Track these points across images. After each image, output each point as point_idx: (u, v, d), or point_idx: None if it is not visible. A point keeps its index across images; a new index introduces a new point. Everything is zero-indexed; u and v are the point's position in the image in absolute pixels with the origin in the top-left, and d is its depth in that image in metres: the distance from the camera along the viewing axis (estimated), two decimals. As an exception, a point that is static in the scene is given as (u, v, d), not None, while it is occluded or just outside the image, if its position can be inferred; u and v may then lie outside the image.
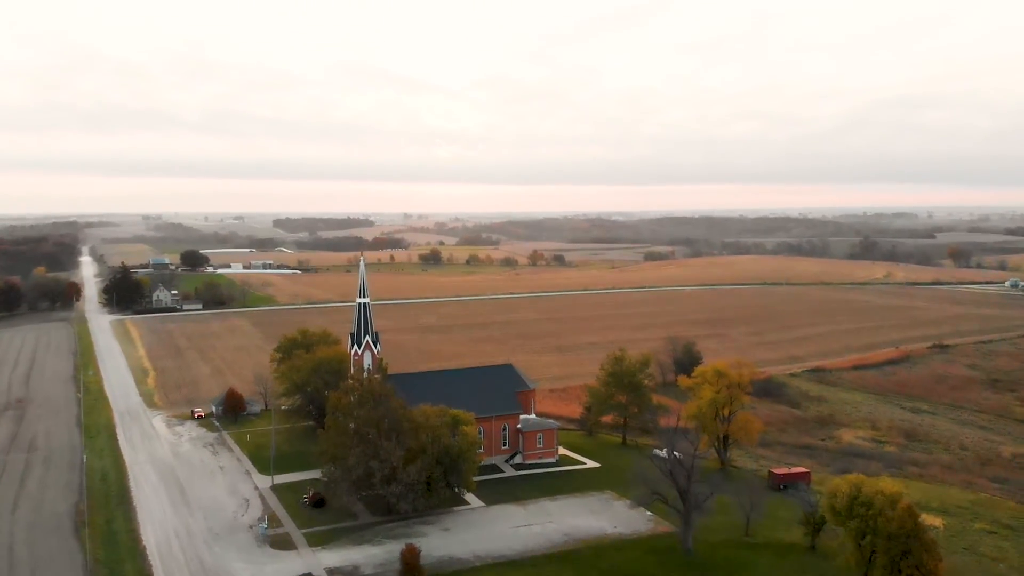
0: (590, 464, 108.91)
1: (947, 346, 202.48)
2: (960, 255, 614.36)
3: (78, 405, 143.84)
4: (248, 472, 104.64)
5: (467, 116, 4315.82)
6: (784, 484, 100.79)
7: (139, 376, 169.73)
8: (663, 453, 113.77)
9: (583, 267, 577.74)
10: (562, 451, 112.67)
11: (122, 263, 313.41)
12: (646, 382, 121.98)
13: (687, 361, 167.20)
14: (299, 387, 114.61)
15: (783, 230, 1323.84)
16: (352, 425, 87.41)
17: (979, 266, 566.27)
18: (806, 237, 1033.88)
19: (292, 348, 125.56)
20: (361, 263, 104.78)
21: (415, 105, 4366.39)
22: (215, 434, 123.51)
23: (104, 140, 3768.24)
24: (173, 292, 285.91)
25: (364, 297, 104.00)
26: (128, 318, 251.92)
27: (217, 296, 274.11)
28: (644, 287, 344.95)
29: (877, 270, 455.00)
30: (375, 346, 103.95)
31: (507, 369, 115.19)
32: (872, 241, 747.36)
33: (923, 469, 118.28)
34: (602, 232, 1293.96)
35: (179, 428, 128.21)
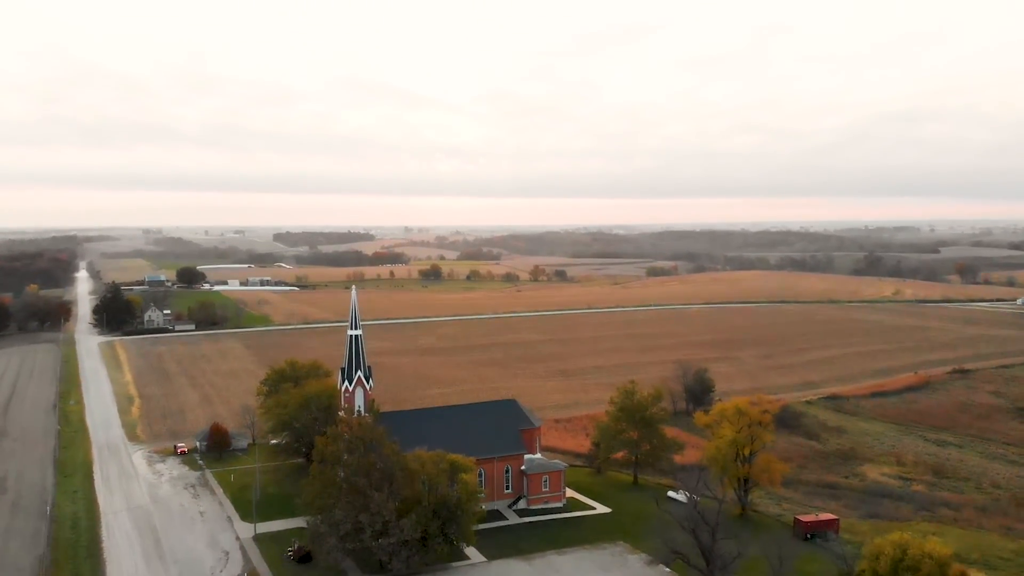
0: (600, 509, 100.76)
1: (968, 371, 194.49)
2: (967, 271, 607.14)
3: (56, 438, 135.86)
4: (230, 519, 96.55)
5: (468, 130, 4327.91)
6: (811, 533, 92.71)
7: (123, 405, 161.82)
8: (679, 496, 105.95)
9: (585, 283, 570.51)
10: (569, 493, 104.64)
11: (112, 281, 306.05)
12: (659, 416, 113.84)
13: (699, 389, 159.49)
14: (286, 424, 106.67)
15: (785, 244, 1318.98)
16: (340, 473, 79.60)
17: (987, 282, 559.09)
18: (809, 252, 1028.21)
19: (279, 381, 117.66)
20: (353, 292, 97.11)
21: (416, 119, 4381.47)
22: (197, 473, 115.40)
23: (105, 154, 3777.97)
24: (166, 312, 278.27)
25: (356, 329, 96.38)
26: (118, 339, 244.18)
27: (210, 316, 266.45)
28: (648, 305, 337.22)
29: (885, 287, 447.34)
30: (368, 382, 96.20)
31: (510, 405, 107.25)
32: (877, 256, 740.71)
33: (957, 512, 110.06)
34: (604, 246, 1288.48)
35: (160, 465, 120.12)
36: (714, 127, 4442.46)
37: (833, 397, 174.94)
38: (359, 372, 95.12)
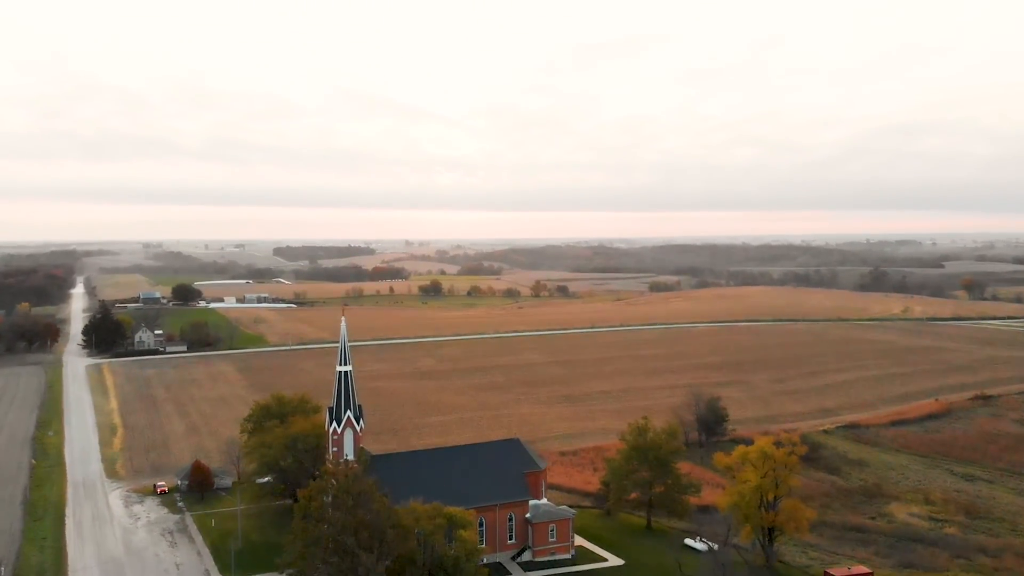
0: (612, 561, 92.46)
1: (990, 397, 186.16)
2: (974, 287, 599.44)
3: (29, 475, 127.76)
4: (208, 572, 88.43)
5: (468, 144, 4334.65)
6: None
7: (105, 436, 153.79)
8: (696, 544, 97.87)
9: (588, 299, 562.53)
10: (578, 540, 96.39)
11: (102, 301, 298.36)
12: (674, 456, 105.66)
13: (712, 419, 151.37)
14: (270, 466, 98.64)
15: (787, 258, 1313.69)
16: (325, 529, 71.60)
17: (994, 298, 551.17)
18: (812, 266, 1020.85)
19: (264, 417, 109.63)
20: (342, 325, 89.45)
21: (416, 133, 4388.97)
22: (177, 516, 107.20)
23: (106, 167, 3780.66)
24: (157, 332, 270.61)
25: (345, 364, 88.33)
26: (107, 362, 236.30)
27: (203, 337, 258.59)
28: (653, 324, 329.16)
29: (893, 304, 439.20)
30: (358, 423, 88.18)
31: (513, 445, 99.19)
32: (881, 271, 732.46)
33: (996, 559, 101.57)
34: (605, 260, 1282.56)
35: (138, 507, 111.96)
36: (714, 140, 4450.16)
37: (852, 426, 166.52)
38: (348, 412, 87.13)
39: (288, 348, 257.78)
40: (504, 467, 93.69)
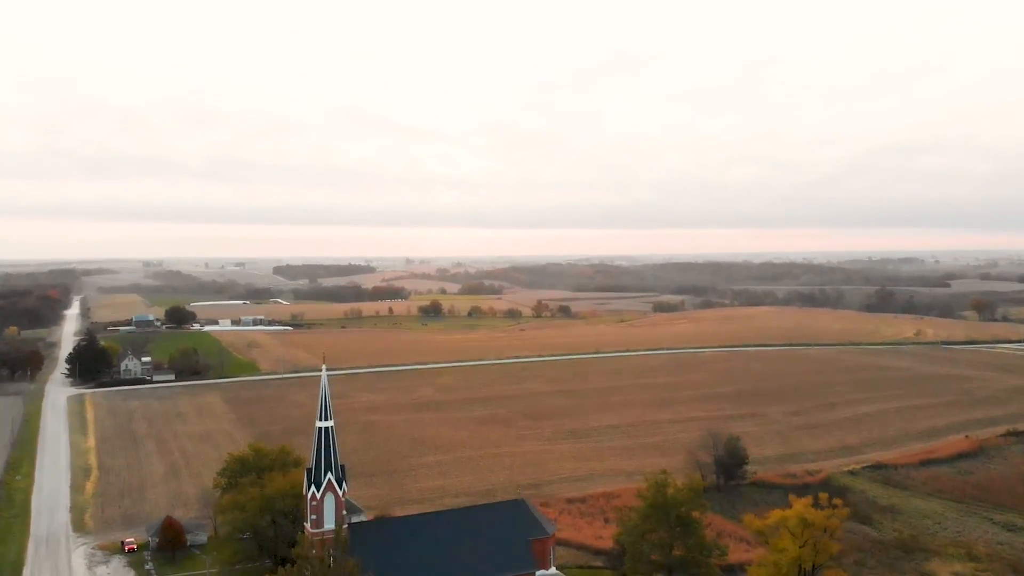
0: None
1: (1022, 433, 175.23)
2: (984, 307, 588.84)
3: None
4: (170, 656, 77.76)
5: (468, 162, 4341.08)
6: None
7: (78, 479, 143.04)
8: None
9: (591, 320, 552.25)
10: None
11: (88, 329, 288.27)
12: (697, 514, 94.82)
13: (731, 461, 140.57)
14: (243, 530, 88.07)
15: (790, 276, 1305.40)
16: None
17: (1004, 319, 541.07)
18: (817, 285, 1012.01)
19: (240, 472, 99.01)
20: (323, 375, 79.08)
21: (416, 151, 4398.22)
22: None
23: (107, 186, 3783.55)
24: (145, 360, 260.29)
25: (326, 420, 78.12)
26: (90, 392, 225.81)
27: (192, 365, 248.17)
28: (660, 349, 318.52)
29: (904, 326, 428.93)
30: (341, 485, 77.69)
31: (518, 507, 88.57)
32: (888, 291, 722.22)
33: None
34: (607, 279, 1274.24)
35: (102, 569, 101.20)
36: (713, 159, 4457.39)
37: (878, 466, 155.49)
38: (330, 474, 76.69)
39: (280, 377, 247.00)
40: (508, 534, 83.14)
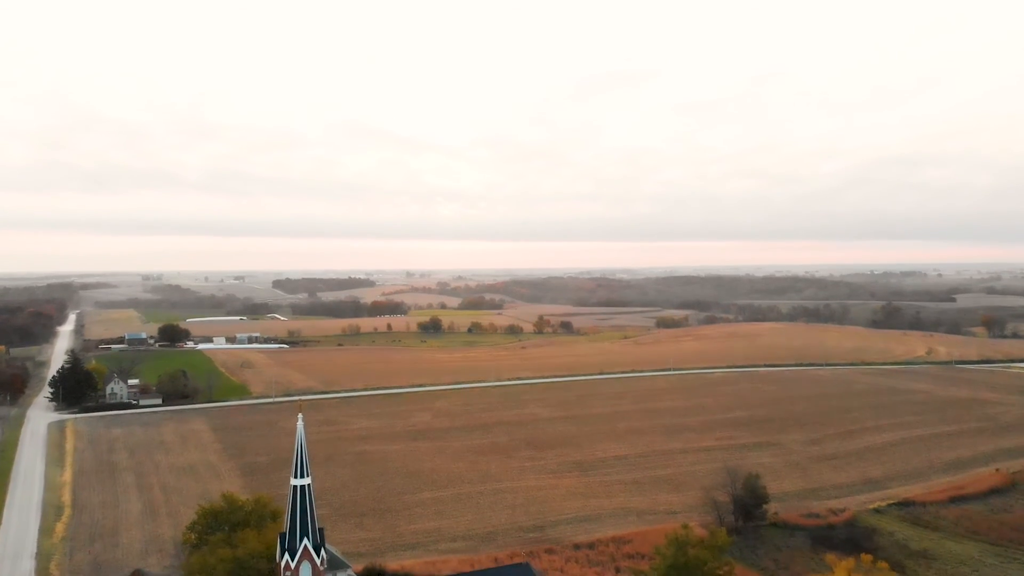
0: None
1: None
2: (993, 323, 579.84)
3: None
4: None
5: (468, 175, 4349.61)
6: None
7: (48, 521, 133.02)
8: None
9: (593, 336, 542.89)
10: None
11: (73, 351, 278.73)
12: (721, 573, 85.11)
13: (750, 500, 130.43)
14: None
15: (794, 291, 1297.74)
16: None
17: (1015, 335, 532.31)
18: (821, 299, 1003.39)
19: (211, 527, 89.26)
20: (299, 425, 69.78)
21: (416, 164, 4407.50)
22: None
23: (107, 199, 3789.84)
24: (132, 382, 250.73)
25: (302, 477, 68.44)
26: (73, 418, 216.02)
27: (179, 388, 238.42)
28: (666, 369, 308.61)
29: (914, 344, 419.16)
30: (319, 552, 67.91)
31: (522, 572, 78.76)
32: (894, 307, 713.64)
33: None
34: (608, 292, 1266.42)
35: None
36: (713, 171, 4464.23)
37: (906, 503, 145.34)
38: (306, 540, 66.98)
39: (271, 401, 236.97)
40: (510, 603, 73.40)
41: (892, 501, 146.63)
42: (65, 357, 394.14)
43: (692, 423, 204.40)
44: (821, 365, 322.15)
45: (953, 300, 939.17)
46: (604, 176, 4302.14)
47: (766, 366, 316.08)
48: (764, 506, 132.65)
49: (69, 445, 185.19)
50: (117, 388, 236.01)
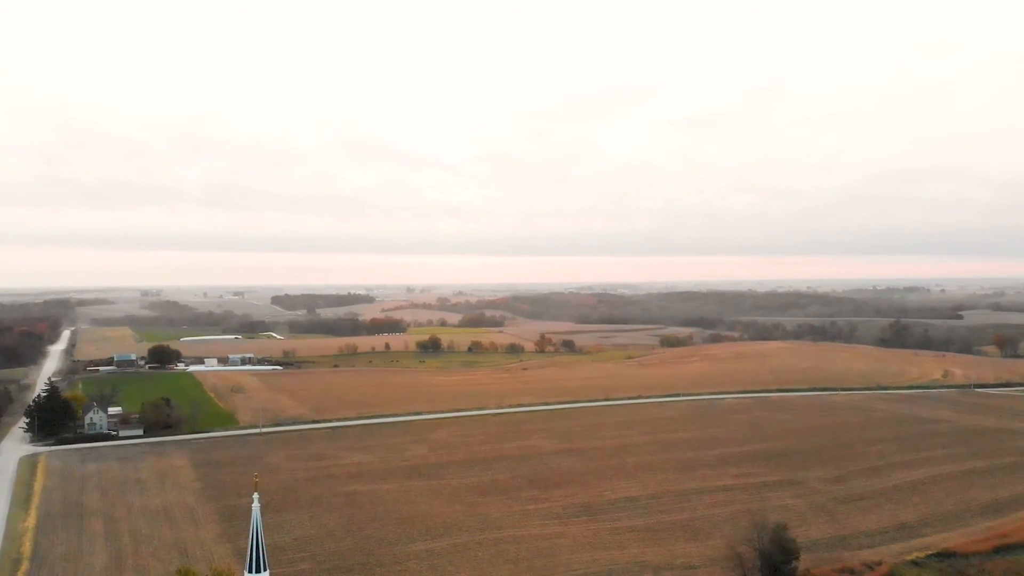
0: None
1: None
2: (1005, 343, 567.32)
3: None
4: None
5: (468, 190, 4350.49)
6: None
7: (5, 574, 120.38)
8: None
9: (596, 356, 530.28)
10: None
11: (49, 380, 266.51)
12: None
13: (779, 556, 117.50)
14: None
15: (797, 307, 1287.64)
16: None
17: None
18: (826, 317, 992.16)
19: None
20: (254, 509, 57.41)
21: (416, 179, 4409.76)
22: None
23: (107, 214, 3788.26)
24: (114, 410, 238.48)
25: (259, 572, 55.93)
26: (47, 451, 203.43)
27: (162, 418, 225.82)
28: (674, 395, 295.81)
29: (929, 365, 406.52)
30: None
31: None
32: (903, 324, 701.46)
33: None
34: (610, 309, 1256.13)
35: None
36: (713, 186, 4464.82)
37: (946, 554, 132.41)
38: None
39: (258, 432, 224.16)
40: None
41: (931, 551, 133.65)
42: (44, 385, 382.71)
43: (707, 457, 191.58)
44: (835, 390, 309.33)
45: (960, 317, 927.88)
46: (604, 191, 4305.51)
47: (778, 391, 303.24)
48: (795, 562, 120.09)
49: (38, 484, 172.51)
50: (96, 418, 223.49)
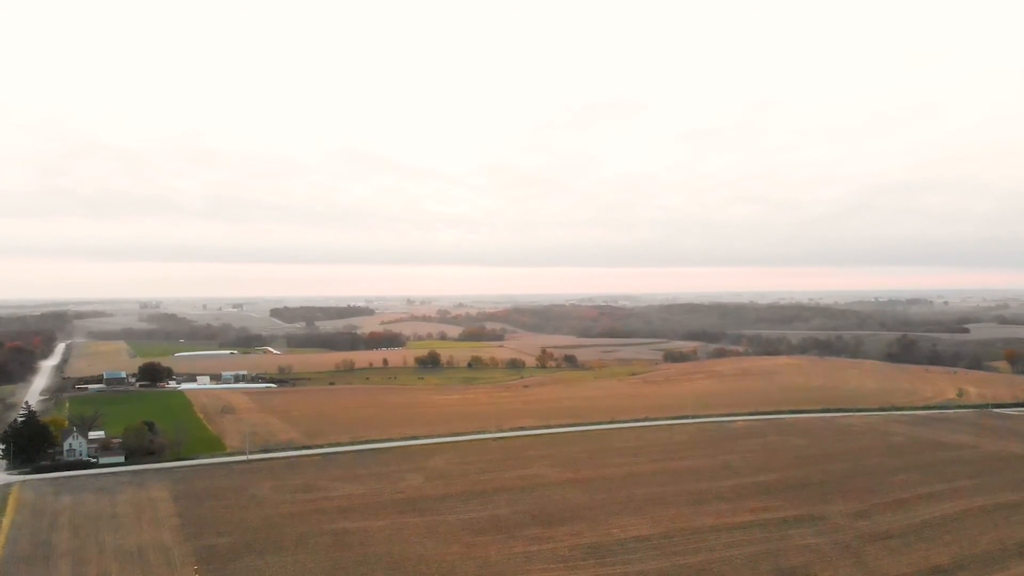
0: None
1: None
2: (1016, 358, 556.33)
3: None
4: None
5: (468, 201, 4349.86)
6: None
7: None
8: None
9: (599, 372, 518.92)
10: None
11: (26, 403, 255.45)
12: None
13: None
14: None
15: (800, 319, 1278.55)
16: None
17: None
18: (831, 330, 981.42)
19: None
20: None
21: (416, 190, 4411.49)
22: None
23: (107, 225, 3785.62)
24: (95, 434, 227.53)
25: None
26: (22, 480, 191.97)
27: (144, 444, 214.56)
28: (683, 417, 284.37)
29: (941, 383, 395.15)
30: None
31: None
32: (910, 339, 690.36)
33: None
34: (612, 322, 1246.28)
35: None
36: (713, 198, 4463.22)
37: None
38: None
39: (245, 460, 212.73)
40: None
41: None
42: (40, 398, 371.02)
43: (720, 489, 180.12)
44: (849, 411, 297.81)
45: (967, 331, 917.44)
46: (604, 202, 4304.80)
47: (790, 412, 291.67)
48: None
49: (7, 520, 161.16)
50: (76, 444, 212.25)
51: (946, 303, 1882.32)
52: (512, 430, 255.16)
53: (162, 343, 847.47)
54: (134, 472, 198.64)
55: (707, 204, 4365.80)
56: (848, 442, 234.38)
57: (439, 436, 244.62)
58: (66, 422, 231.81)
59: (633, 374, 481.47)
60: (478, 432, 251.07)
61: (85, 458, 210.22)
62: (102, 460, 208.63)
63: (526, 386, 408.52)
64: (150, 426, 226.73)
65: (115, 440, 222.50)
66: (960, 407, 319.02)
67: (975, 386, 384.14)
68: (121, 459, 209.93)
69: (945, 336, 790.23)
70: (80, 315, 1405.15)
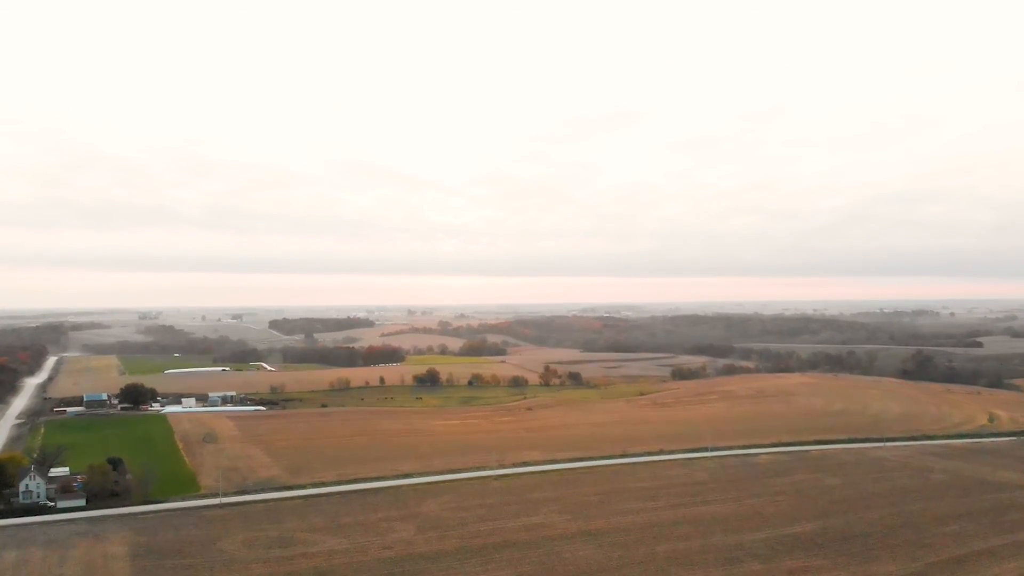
0: None
1: None
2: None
3: None
4: None
5: (468, 211, 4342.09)
6: None
7: None
8: None
9: (606, 392, 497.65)
10: None
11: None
12: None
13: None
14: None
15: (808, 332, 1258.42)
16: None
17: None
18: (840, 343, 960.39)
19: None
20: None
21: (416, 201, 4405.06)
22: None
23: (107, 236, 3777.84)
24: (58, 472, 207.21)
25: None
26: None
27: (107, 486, 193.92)
28: (701, 449, 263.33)
29: (969, 406, 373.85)
30: None
31: None
32: (926, 355, 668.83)
33: None
34: (615, 334, 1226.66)
35: None
36: (713, 208, 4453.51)
37: None
38: None
39: (218, 504, 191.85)
40: None
41: None
42: (15, 422, 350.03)
43: (752, 543, 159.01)
44: (877, 441, 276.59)
45: (980, 345, 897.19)
46: (604, 212, 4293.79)
47: (816, 444, 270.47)
48: None
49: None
50: (33, 485, 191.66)
51: (952, 314, 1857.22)
52: (515, 465, 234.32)
53: (156, 357, 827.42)
54: (93, 520, 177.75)
55: (707, 214, 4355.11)
56: (884, 481, 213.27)
57: (435, 473, 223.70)
58: (26, 459, 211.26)
59: (641, 394, 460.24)
60: (478, 468, 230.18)
61: (43, 501, 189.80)
62: (60, 504, 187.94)
63: (529, 408, 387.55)
64: (115, 464, 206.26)
65: (78, 478, 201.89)
66: (994, 435, 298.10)
67: (1004, 409, 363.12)
68: (82, 502, 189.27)
69: (959, 351, 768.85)
70: (77, 327, 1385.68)
